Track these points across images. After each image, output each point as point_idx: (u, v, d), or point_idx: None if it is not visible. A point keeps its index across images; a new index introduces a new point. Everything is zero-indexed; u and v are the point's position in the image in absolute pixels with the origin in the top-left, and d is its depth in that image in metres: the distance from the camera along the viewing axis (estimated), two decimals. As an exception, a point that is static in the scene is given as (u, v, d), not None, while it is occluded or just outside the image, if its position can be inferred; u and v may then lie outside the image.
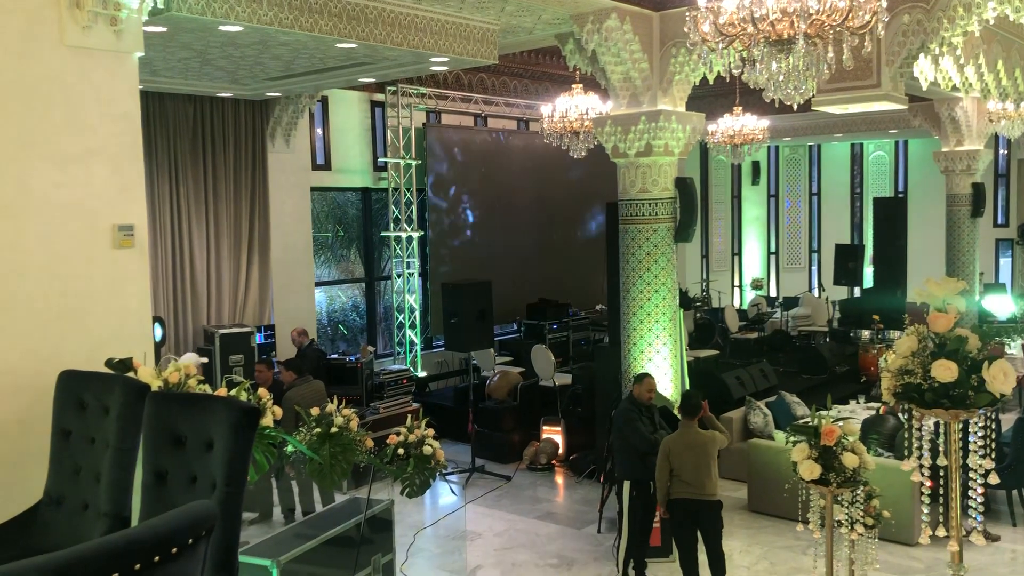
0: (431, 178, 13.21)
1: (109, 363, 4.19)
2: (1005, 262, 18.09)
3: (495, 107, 14.12)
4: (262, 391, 4.64)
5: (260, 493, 8.16)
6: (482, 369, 11.87)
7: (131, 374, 4.05)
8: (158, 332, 9.24)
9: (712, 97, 12.64)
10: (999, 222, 17.94)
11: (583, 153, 9.39)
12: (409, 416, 7.91)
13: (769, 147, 19.27)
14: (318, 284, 12.68)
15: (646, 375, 7.17)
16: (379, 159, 13.04)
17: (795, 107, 4.85)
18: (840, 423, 4.97)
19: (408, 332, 13.11)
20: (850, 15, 4.08)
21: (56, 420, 3.79)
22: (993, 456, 3.63)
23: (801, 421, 5.29)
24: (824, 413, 5.04)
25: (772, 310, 17.34)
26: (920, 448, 3.66)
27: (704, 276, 19.20)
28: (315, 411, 5.54)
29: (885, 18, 4.18)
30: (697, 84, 8.05)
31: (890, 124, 15.02)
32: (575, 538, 8.03)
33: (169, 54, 8.09)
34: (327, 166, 12.53)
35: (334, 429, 5.43)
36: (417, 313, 13.15)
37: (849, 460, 4.82)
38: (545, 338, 13.35)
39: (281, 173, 11.64)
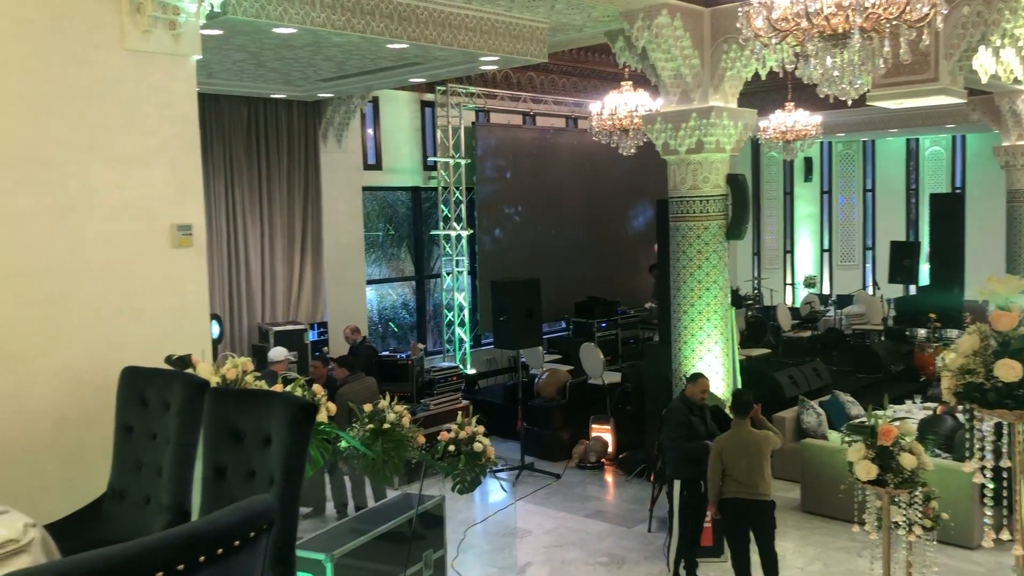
0: (480, 177, 13.25)
1: (168, 360, 4.29)
2: (1069, 259, 17.54)
3: (544, 105, 14.11)
4: (316, 387, 4.71)
5: (312, 488, 8.27)
6: (531, 367, 11.88)
7: (190, 370, 4.14)
8: (215, 329, 9.41)
9: (763, 93, 12.48)
10: (1063, 218, 17.40)
11: (632, 151, 9.35)
12: (460, 413, 7.96)
13: (822, 143, 18.95)
14: (369, 282, 12.81)
15: (700, 375, 7.11)
16: (429, 158, 13.12)
17: (849, 102, 4.77)
18: (897, 423, 4.88)
19: (457, 330, 13.18)
20: (907, 8, 4.00)
21: (119, 416, 3.89)
22: (1058, 458, 3.54)
23: (857, 421, 5.19)
24: (880, 413, 4.94)
25: (825, 308, 17.07)
26: (982, 449, 3.58)
27: (755, 274, 18.97)
28: (368, 407, 5.60)
29: (944, 10, 4.09)
30: (749, 80, 7.96)
31: (947, 118, 14.65)
32: (625, 536, 8.00)
33: (225, 56, 8.24)
34: (378, 166, 12.65)
35: (386, 425, 5.48)
36: (466, 311, 13.21)
37: (907, 461, 4.72)
38: (594, 336, 13.30)
39: (333, 173, 11.78)
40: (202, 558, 1.76)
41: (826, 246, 20.20)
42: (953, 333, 12.56)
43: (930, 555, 5.23)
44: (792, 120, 11.26)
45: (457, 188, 13.06)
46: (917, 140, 19.08)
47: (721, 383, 7.84)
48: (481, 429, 5.70)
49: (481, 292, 13.01)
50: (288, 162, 11.30)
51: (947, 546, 6.98)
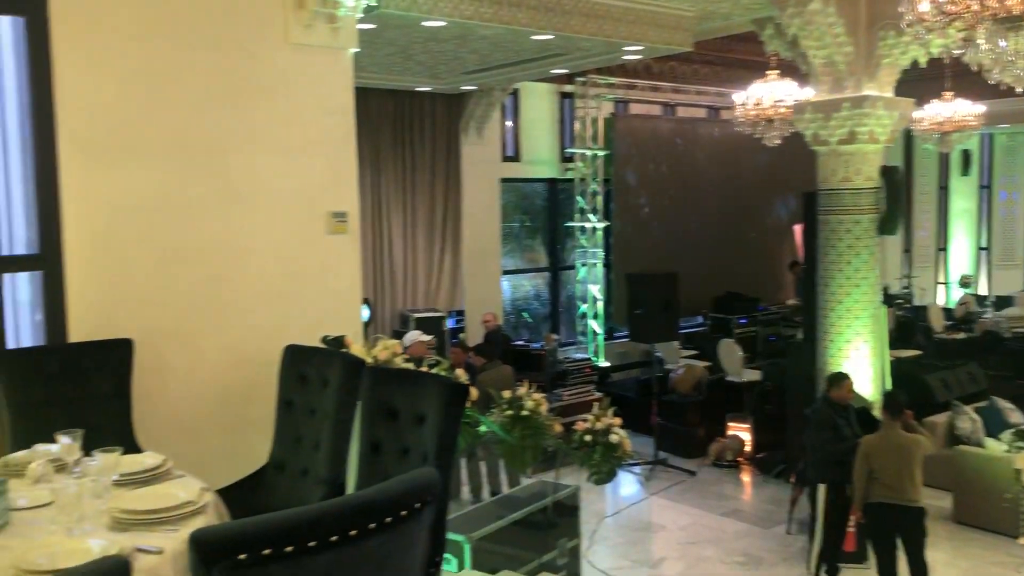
0: (617, 168, 13.18)
1: (324, 339, 4.49)
2: None
3: (684, 95, 13.89)
4: (459, 372, 4.83)
5: (450, 472, 8.45)
6: (666, 362, 11.75)
7: (344, 350, 4.32)
8: (366, 312, 9.77)
9: (917, 81, 11.83)
10: None
11: (777, 141, 9.08)
12: (595, 404, 7.96)
13: (982, 134, 17.83)
14: (504, 272, 12.97)
15: (844, 375, 6.86)
16: (566, 150, 13.15)
17: (1020, 89, 4.48)
18: (1069, 432, 4.58)
19: (590, 322, 13.18)
20: (1095, -14, 3.73)
21: (281, 391, 4.10)
22: None
23: (1020, 428, 4.90)
24: (1050, 420, 4.65)
25: (982, 309, 16.08)
26: None
27: (906, 272, 18.07)
28: (506, 394, 5.69)
29: None
30: (907, 68, 7.59)
31: None
32: (763, 537, 7.82)
33: (375, 50, 8.52)
34: (516, 157, 12.79)
35: (524, 412, 5.55)
36: (600, 303, 13.19)
37: (1079, 472, 4.43)
38: (732, 332, 13.01)
39: (473, 164, 12.00)
40: (372, 525, 1.85)
41: (984, 244, 19.02)
42: None
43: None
44: (951, 110, 10.65)
45: (594, 179, 13.04)
46: (1090, 131, 17.70)
47: (870, 384, 7.53)
48: (618, 421, 5.69)
49: (615, 285, 12.96)
50: (431, 154, 11.60)
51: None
